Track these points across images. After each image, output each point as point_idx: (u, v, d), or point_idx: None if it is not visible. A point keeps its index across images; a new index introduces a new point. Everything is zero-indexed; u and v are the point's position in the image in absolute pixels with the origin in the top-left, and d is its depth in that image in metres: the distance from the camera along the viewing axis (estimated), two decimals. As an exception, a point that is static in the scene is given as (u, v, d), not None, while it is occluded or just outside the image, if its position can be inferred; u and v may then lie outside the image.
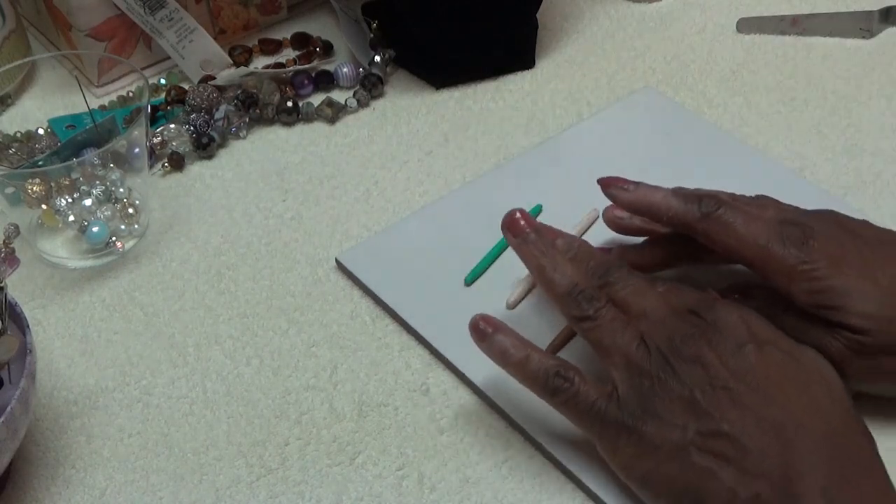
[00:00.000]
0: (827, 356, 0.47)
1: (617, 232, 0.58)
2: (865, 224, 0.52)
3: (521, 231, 0.50)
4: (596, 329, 0.48)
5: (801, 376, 0.45)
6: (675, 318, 0.47)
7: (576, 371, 0.47)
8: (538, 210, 0.63)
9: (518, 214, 0.51)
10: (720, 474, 0.43)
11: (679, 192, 0.53)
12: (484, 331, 0.49)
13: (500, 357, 0.49)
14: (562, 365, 0.48)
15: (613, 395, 0.46)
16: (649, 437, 0.45)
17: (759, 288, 0.52)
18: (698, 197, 0.52)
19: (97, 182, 0.62)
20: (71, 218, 0.61)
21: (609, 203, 0.56)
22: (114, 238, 0.62)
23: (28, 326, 0.49)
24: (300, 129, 0.72)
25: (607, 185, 0.55)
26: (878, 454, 0.44)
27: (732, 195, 0.53)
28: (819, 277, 0.48)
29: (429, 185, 0.67)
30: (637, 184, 0.54)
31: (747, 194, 0.54)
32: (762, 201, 0.53)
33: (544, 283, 0.49)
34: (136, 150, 0.62)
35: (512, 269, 0.59)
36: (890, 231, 0.52)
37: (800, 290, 0.49)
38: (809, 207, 0.58)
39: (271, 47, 0.79)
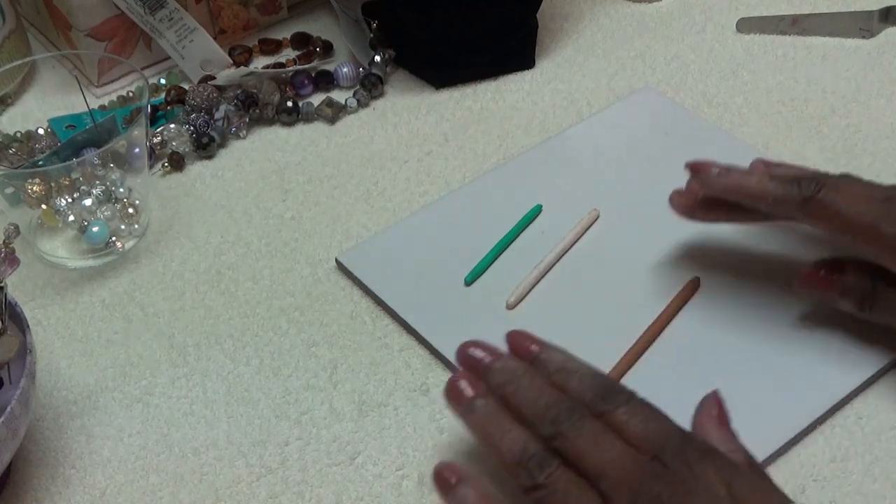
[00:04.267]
0: None
1: (687, 217, 0.56)
2: None
3: (465, 400, 0.46)
4: (550, 498, 0.42)
5: None
6: (638, 472, 0.41)
7: None
8: (538, 210, 0.63)
9: (460, 383, 0.46)
10: None
11: (775, 176, 0.51)
12: (446, 482, 0.45)
13: None
14: None
15: None
16: None
17: (851, 262, 0.51)
18: (797, 179, 0.50)
19: (97, 182, 0.62)
20: (71, 218, 0.61)
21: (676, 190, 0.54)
22: (114, 238, 0.62)
23: (28, 326, 0.49)
24: (300, 129, 0.72)
25: (697, 169, 0.53)
26: None
27: (823, 173, 0.52)
28: None
29: (429, 185, 0.67)
30: (728, 168, 0.53)
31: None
32: (853, 178, 0.52)
33: (493, 452, 0.44)
34: (136, 150, 0.62)
35: (512, 269, 0.59)
36: None
37: None
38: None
39: (271, 47, 0.79)
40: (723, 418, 0.46)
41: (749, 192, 0.52)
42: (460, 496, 0.44)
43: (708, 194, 0.55)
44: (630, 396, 0.44)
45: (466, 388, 0.46)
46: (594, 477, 0.42)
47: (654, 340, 0.55)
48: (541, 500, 0.42)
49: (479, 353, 0.47)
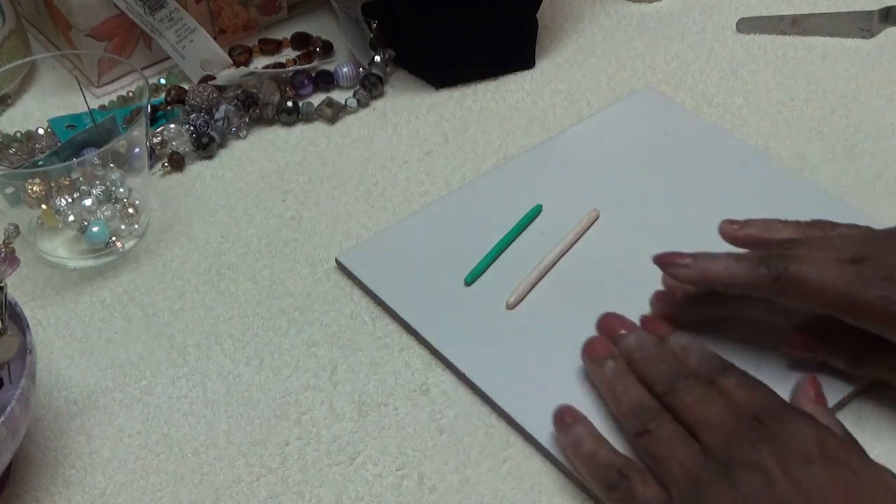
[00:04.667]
0: None
1: (675, 324, 0.55)
2: None
3: (599, 357, 0.51)
4: (653, 443, 0.46)
5: (873, 500, 0.41)
6: (738, 425, 0.44)
7: (638, 471, 0.46)
8: (538, 210, 0.63)
9: (597, 342, 0.52)
10: None
11: (742, 258, 0.50)
12: (564, 420, 0.50)
13: (572, 447, 0.49)
14: (625, 463, 0.47)
15: (668, 502, 0.45)
16: None
17: (833, 322, 0.50)
18: (763, 259, 0.49)
19: (97, 182, 0.62)
20: (71, 218, 0.61)
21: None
22: (114, 238, 0.62)
23: (28, 326, 0.49)
24: (300, 129, 0.72)
25: (665, 263, 0.52)
26: None
27: (792, 225, 0.52)
28: None
29: (429, 185, 0.67)
30: (695, 256, 0.51)
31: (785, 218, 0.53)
32: (823, 233, 0.52)
33: (613, 403, 0.50)
34: (136, 150, 0.62)
35: (512, 269, 0.59)
36: None
37: None
38: (809, 207, 0.58)
39: (271, 47, 0.79)
40: (820, 398, 0.49)
41: (717, 279, 0.51)
42: (575, 433, 0.49)
43: (686, 291, 0.54)
44: (743, 373, 0.48)
45: (601, 348, 0.52)
46: (697, 427, 0.46)
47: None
48: (647, 445, 0.47)
49: (615, 323, 0.52)
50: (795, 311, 0.52)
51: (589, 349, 0.52)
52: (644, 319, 0.54)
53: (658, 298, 0.55)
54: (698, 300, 0.54)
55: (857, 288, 0.47)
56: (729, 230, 0.54)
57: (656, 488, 0.45)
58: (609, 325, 0.53)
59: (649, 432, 0.47)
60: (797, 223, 0.53)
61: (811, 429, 0.43)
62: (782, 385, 0.50)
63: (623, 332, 0.52)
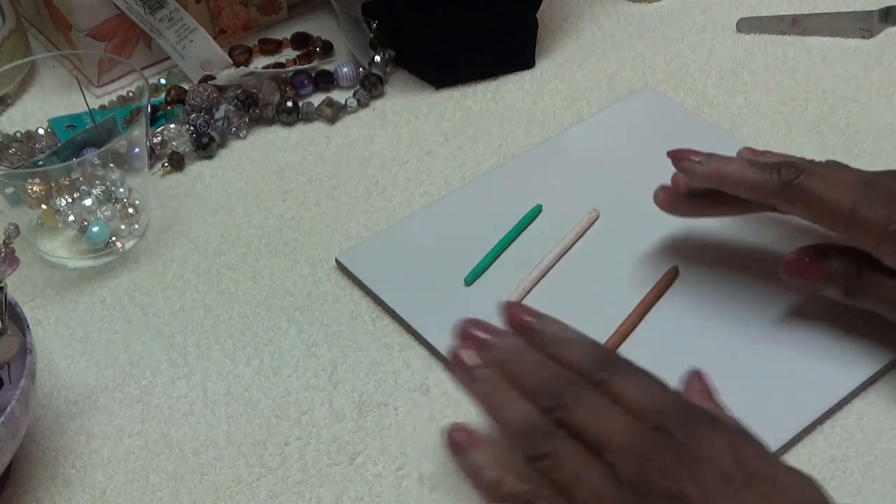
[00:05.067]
0: None
1: (669, 212, 0.57)
2: None
3: (468, 369, 0.46)
4: (555, 467, 0.42)
5: None
6: (643, 443, 0.41)
7: (549, 500, 0.41)
8: (538, 210, 0.63)
9: (463, 353, 0.46)
10: None
11: (755, 162, 0.52)
12: (456, 443, 0.45)
13: (472, 475, 0.44)
14: (534, 492, 0.42)
15: None
16: None
17: (835, 248, 0.52)
18: (776, 166, 0.51)
19: (97, 182, 0.62)
20: (71, 218, 0.61)
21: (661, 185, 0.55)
22: (114, 238, 0.62)
23: (28, 326, 0.49)
24: (300, 129, 0.72)
25: (678, 158, 0.53)
26: None
27: (804, 160, 0.52)
28: None
29: (429, 185, 0.67)
30: (709, 155, 0.53)
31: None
32: (836, 164, 0.52)
33: (498, 422, 0.45)
34: (136, 150, 0.62)
35: (512, 269, 0.59)
36: None
37: (890, 250, 0.48)
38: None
39: (271, 47, 0.79)
40: (707, 392, 0.46)
41: (728, 178, 0.52)
42: (473, 459, 0.44)
43: (690, 185, 0.55)
44: (626, 363, 0.45)
45: (470, 357, 0.46)
46: (599, 447, 0.41)
47: (633, 331, 0.55)
48: (546, 469, 0.42)
49: (477, 331, 0.47)
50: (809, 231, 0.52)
51: (456, 361, 0.46)
52: (507, 309, 0.48)
53: (662, 189, 0.56)
54: (701, 197, 0.55)
55: (861, 206, 0.48)
56: (746, 153, 0.55)
57: None
58: (469, 333, 0.47)
59: (546, 455, 0.42)
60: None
61: (719, 436, 0.40)
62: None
63: (487, 338, 0.47)
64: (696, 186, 0.55)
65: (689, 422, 0.41)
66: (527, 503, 0.42)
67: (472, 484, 0.44)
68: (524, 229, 0.62)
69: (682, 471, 0.39)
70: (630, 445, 0.41)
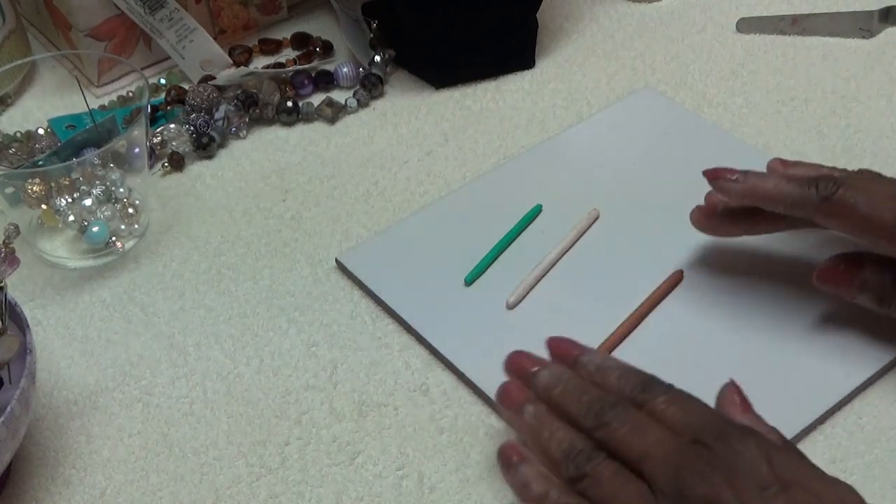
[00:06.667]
0: None
1: (706, 232, 0.56)
2: None
3: (516, 404, 0.48)
4: (593, 487, 0.43)
5: None
6: (681, 454, 0.41)
7: None
8: (538, 210, 0.63)
9: (511, 388, 0.49)
10: None
11: (793, 177, 0.51)
12: (509, 460, 0.47)
13: (520, 489, 0.46)
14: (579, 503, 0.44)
15: None
16: None
17: (870, 257, 0.51)
18: (814, 180, 0.50)
19: (97, 182, 0.62)
20: (71, 218, 0.61)
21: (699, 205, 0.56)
22: (114, 238, 0.62)
23: (28, 326, 0.49)
24: (300, 129, 0.72)
25: (714, 177, 0.53)
26: None
27: (840, 170, 0.52)
28: None
29: (429, 185, 0.67)
30: (745, 173, 0.52)
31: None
32: (871, 174, 0.52)
33: (542, 451, 0.46)
34: (136, 150, 0.62)
35: (512, 269, 0.59)
36: None
37: None
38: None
39: (271, 47, 0.79)
40: (745, 405, 0.47)
41: (766, 195, 0.51)
42: (522, 474, 0.46)
43: (726, 204, 0.55)
44: (668, 387, 0.46)
45: (517, 394, 0.48)
46: (637, 460, 0.42)
47: (632, 331, 0.55)
48: (586, 489, 0.43)
49: (525, 362, 0.49)
50: (835, 239, 0.52)
51: (504, 398, 0.49)
52: (551, 343, 0.51)
53: (698, 209, 0.56)
54: (738, 216, 0.54)
55: None
56: (777, 165, 0.54)
57: None
58: (517, 364, 0.50)
59: (587, 476, 0.43)
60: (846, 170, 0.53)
61: (756, 446, 0.41)
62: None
63: (534, 369, 0.49)
64: (733, 205, 0.55)
65: (725, 433, 0.42)
66: None
67: (519, 498, 0.46)
68: (524, 229, 0.62)
69: (719, 478, 0.40)
70: (667, 456, 0.42)
